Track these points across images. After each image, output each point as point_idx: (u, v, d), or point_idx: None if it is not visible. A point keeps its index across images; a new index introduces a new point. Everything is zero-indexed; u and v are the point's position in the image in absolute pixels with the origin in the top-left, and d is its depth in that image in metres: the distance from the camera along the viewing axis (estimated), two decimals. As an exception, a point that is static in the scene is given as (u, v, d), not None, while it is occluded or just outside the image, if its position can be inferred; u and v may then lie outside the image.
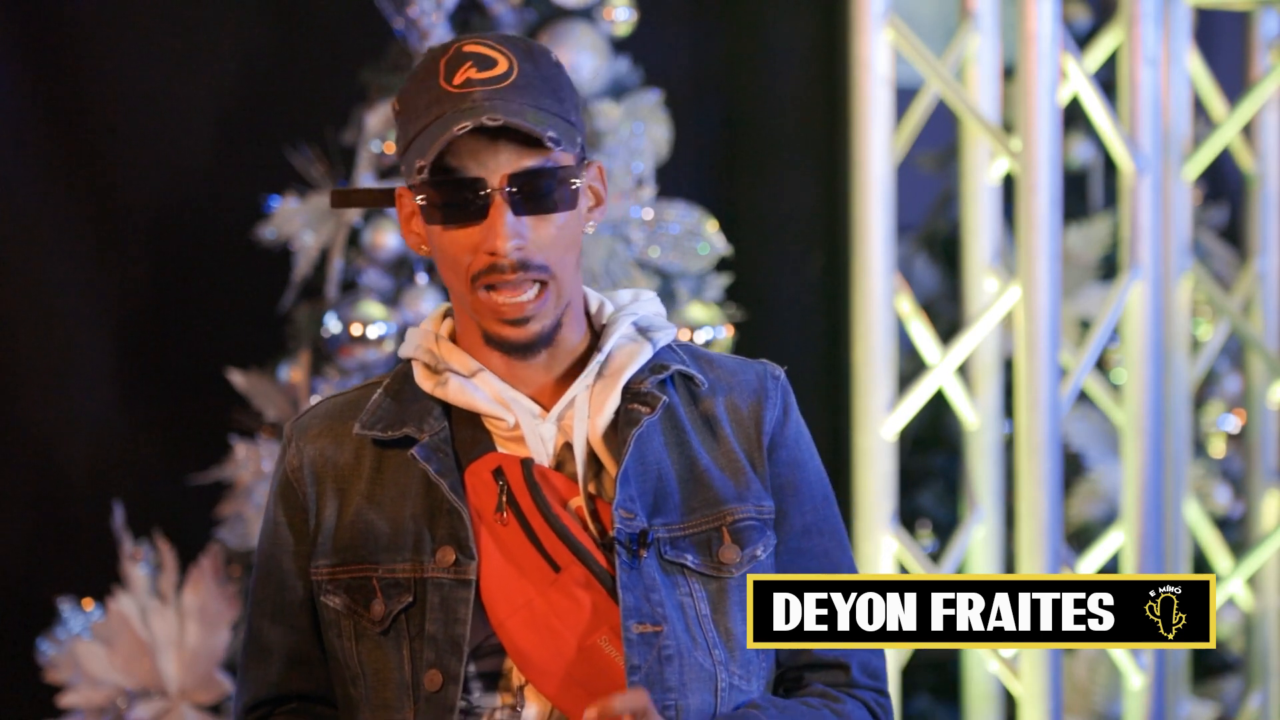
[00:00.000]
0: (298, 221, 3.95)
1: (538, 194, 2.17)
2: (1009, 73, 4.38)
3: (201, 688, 3.84)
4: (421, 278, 3.87)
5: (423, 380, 2.25)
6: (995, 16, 4.24)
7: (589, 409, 2.23)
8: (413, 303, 3.85)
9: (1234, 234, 5.15)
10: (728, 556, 2.23)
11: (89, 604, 3.97)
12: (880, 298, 4.07)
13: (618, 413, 2.23)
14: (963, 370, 4.26)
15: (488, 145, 2.15)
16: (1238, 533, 4.93)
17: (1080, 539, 4.83)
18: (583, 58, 3.93)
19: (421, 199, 2.19)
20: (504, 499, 2.21)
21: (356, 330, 3.81)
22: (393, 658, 2.21)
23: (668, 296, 3.92)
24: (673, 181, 4.03)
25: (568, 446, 2.23)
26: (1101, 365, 4.90)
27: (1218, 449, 5.11)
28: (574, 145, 2.19)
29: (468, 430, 2.24)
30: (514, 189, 2.16)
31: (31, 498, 4.27)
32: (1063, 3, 4.07)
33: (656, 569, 2.20)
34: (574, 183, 2.19)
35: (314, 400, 3.81)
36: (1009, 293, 3.99)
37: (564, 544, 2.19)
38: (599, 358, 2.25)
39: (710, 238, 3.96)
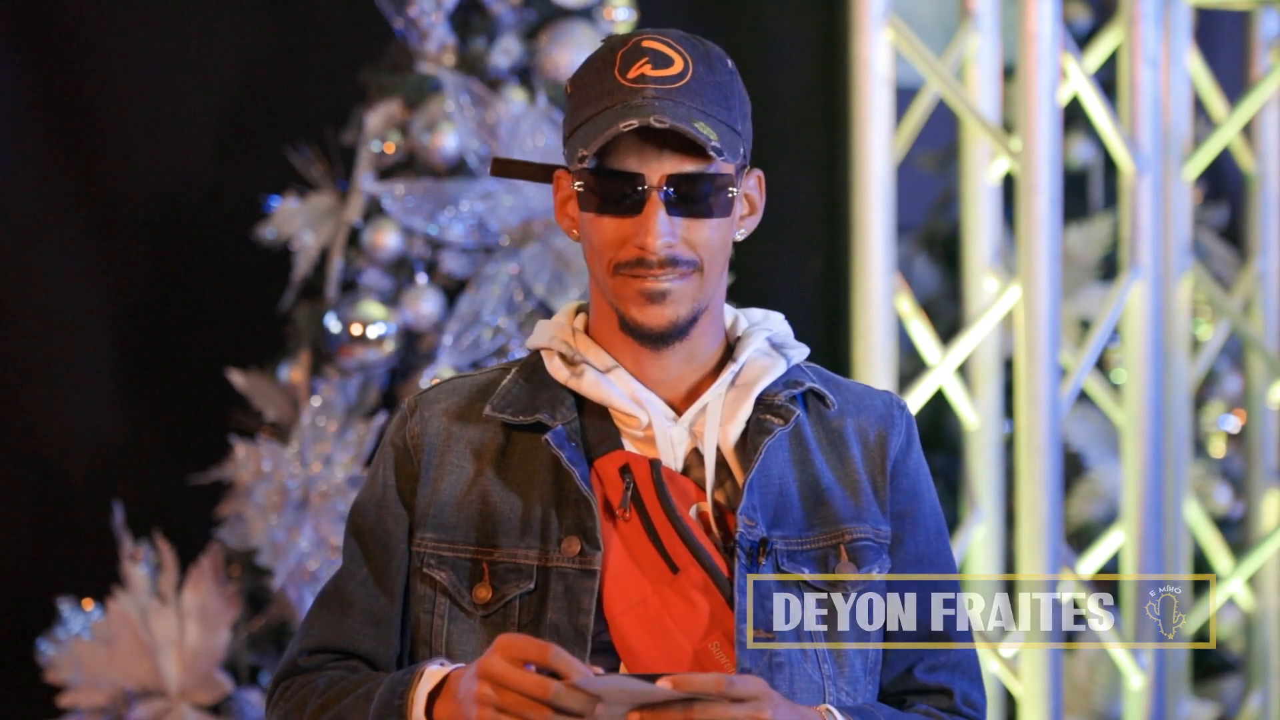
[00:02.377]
0: (298, 221, 3.95)
1: (694, 198, 2.20)
2: (1009, 73, 4.38)
3: (201, 688, 3.84)
4: (421, 278, 3.87)
5: (557, 370, 2.28)
6: (995, 16, 4.24)
7: (721, 416, 2.26)
8: (413, 303, 3.85)
9: (1234, 234, 5.15)
10: (844, 573, 2.26)
11: (89, 604, 3.97)
12: (880, 298, 4.07)
13: (749, 423, 2.26)
14: (963, 370, 4.26)
15: (652, 144, 2.19)
16: (1238, 533, 4.93)
17: (1080, 539, 4.83)
18: (583, 58, 3.92)
19: (580, 185, 2.22)
20: (629, 495, 2.22)
21: (356, 330, 3.81)
22: (485, 643, 2.20)
23: (668, 296, 3.92)
24: (673, 181, 4.03)
25: (695, 453, 2.25)
26: (1101, 365, 4.90)
27: (1218, 449, 5.11)
28: (736, 154, 2.21)
29: (597, 424, 2.26)
30: (671, 190, 2.19)
31: (31, 498, 4.27)
32: (1063, 3, 4.07)
33: (773, 579, 2.22)
34: (730, 191, 2.22)
35: (314, 402, 3.81)
36: (1009, 293, 3.99)
37: (685, 545, 2.20)
38: (734, 367, 2.28)
39: (710, 238, 3.96)
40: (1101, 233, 5.03)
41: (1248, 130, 4.73)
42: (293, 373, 3.91)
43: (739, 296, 4.11)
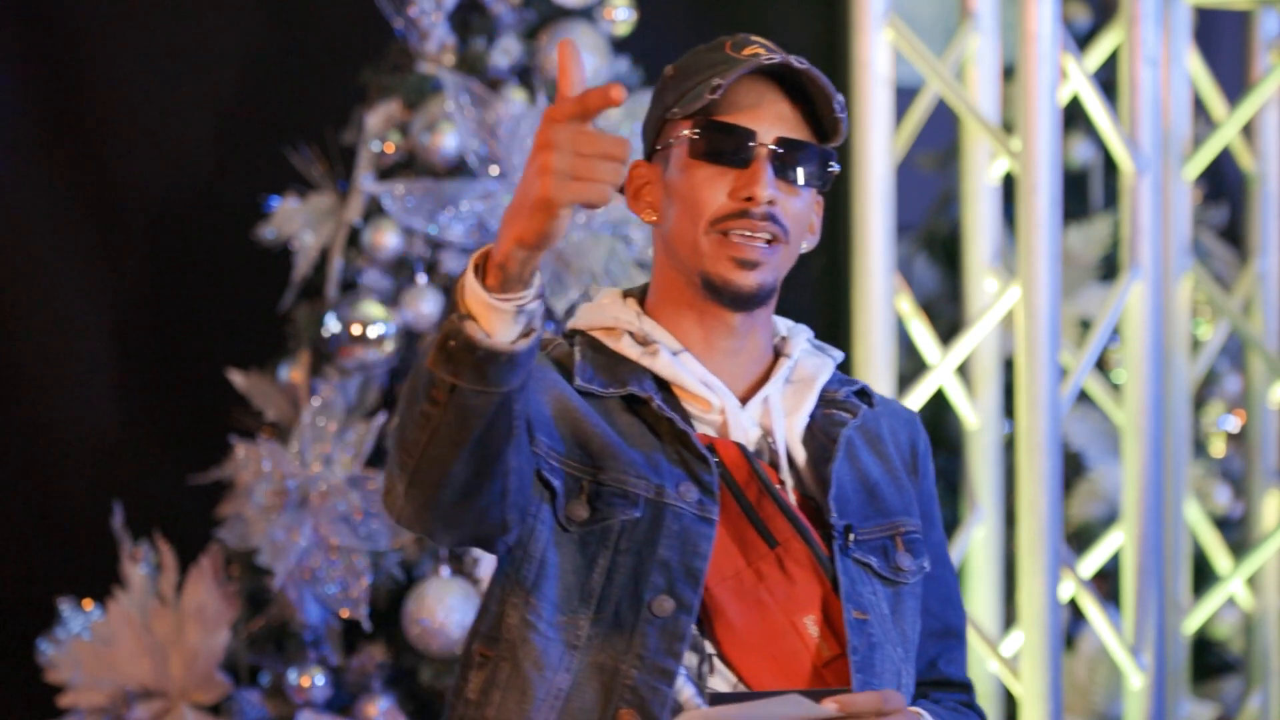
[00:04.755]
0: (298, 221, 3.95)
1: (797, 164, 2.25)
2: (1009, 73, 4.38)
3: (201, 688, 3.83)
4: (421, 278, 3.87)
5: (629, 347, 2.29)
6: (995, 16, 4.24)
7: (785, 408, 2.31)
8: (413, 303, 3.85)
9: (1234, 234, 5.15)
10: (903, 564, 2.32)
11: (89, 604, 3.97)
12: (880, 298, 4.07)
13: (813, 416, 2.32)
14: (963, 370, 4.26)
15: (771, 104, 2.25)
16: (1238, 533, 4.93)
17: (1080, 539, 4.83)
18: (583, 58, 3.92)
19: (693, 132, 2.24)
20: (720, 472, 2.24)
21: (356, 330, 3.80)
22: (573, 560, 2.20)
23: (668, 296, 3.92)
24: (673, 181, 4.03)
25: (765, 437, 2.28)
26: (1101, 365, 4.90)
27: (1218, 449, 5.11)
28: (840, 137, 2.28)
29: (672, 403, 2.28)
30: (781, 150, 2.24)
31: (31, 498, 4.27)
32: (1063, 3, 4.07)
33: (853, 564, 2.27)
34: (831, 166, 2.28)
35: (314, 402, 3.81)
36: (1009, 293, 3.99)
37: (789, 521, 2.23)
38: (789, 363, 2.33)
39: (710, 238, 3.96)
40: (1101, 233, 5.03)
41: (1248, 130, 4.73)
42: (293, 373, 3.91)
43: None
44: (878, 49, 4.05)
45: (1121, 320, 4.10)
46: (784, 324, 2.40)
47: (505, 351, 1.99)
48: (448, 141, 3.86)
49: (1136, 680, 4.07)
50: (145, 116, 4.29)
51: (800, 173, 2.26)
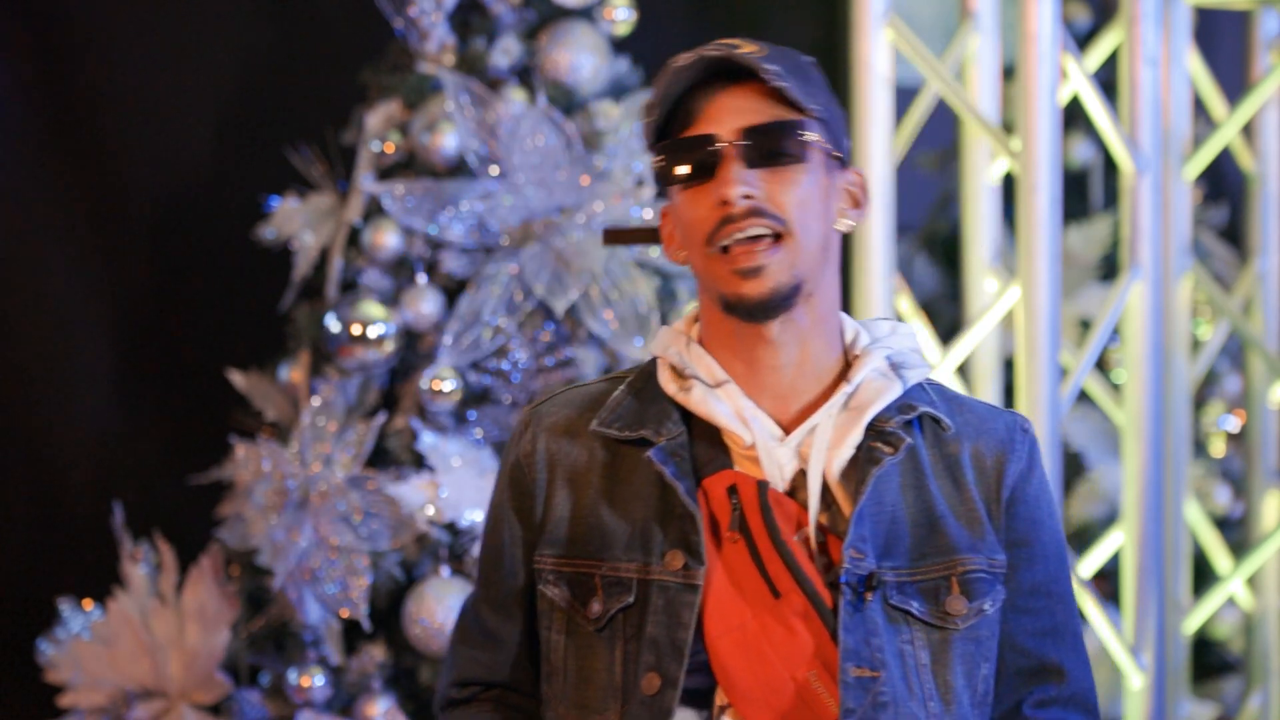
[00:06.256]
0: (298, 221, 3.95)
1: (770, 148, 2.15)
2: (1009, 73, 4.38)
3: (201, 688, 3.83)
4: (421, 278, 3.87)
5: (667, 383, 2.22)
6: (995, 16, 4.24)
7: (829, 440, 2.18)
8: (413, 303, 3.85)
9: (1234, 234, 5.15)
10: (955, 607, 2.18)
11: (89, 604, 3.97)
12: (880, 298, 4.07)
13: (859, 448, 2.18)
14: (963, 370, 4.26)
15: (725, 104, 2.16)
16: (1238, 533, 4.93)
17: (1080, 539, 4.83)
18: (583, 58, 3.93)
19: (659, 161, 2.18)
20: (736, 516, 2.16)
21: (356, 330, 3.80)
22: (603, 658, 2.18)
23: (668, 296, 3.92)
24: (673, 181, 4.03)
25: (802, 474, 2.18)
26: (1101, 365, 4.90)
27: (1218, 449, 5.11)
28: (811, 99, 2.16)
29: (706, 440, 2.20)
30: (747, 141, 2.14)
31: (31, 498, 4.27)
32: (1063, 3, 4.06)
33: (880, 612, 2.15)
34: (811, 138, 2.16)
35: (314, 402, 3.81)
36: (1009, 293, 3.99)
37: (789, 571, 2.14)
38: (846, 389, 2.20)
39: (710, 238, 3.96)
40: (1101, 233, 5.03)
41: (1248, 130, 4.73)
42: (293, 373, 3.91)
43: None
44: (878, 49, 4.05)
45: (1121, 320, 4.10)
46: (874, 332, 2.27)
47: None
48: (448, 141, 3.86)
49: (1136, 680, 4.07)
50: (145, 116, 4.29)
51: (780, 154, 2.15)
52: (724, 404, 2.19)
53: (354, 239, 3.91)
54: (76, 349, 4.30)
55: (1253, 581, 4.64)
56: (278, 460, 3.78)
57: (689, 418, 2.21)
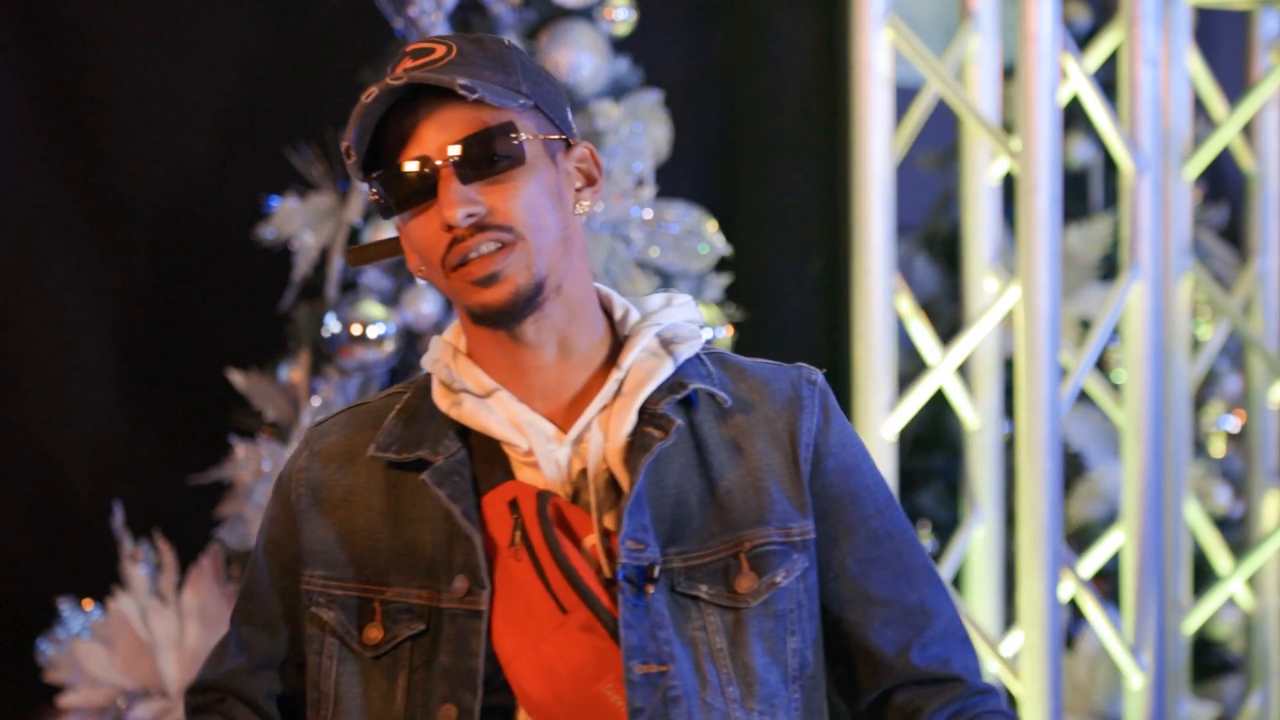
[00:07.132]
0: (298, 221, 3.95)
1: (483, 157, 2.06)
2: (1009, 73, 4.38)
3: (201, 688, 3.83)
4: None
5: (439, 399, 2.12)
6: (995, 16, 4.24)
7: (604, 433, 2.10)
8: (413, 303, 3.85)
9: (1234, 234, 5.15)
10: (744, 586, 2.09)
11: (89, 604, 3.97)
12: (880, 298, 4.07)
13: (632, 435, 2.09)
14: (963, 370, 4.26)
15: (427, 124, 2.07)
16: (1238, 533, 4.93)
17: (1080, 539, 4.83)
18: (583, 58, 3.93)
19: (375, 195, 2.10)
20: (518, 534, 2.07)
21: (356, 330, 3.80)
22: (378, 686, 2.10)
23: (668, 296, 3.92)
24: (673, 181, 4.03)
25: (584, 474, 2.10)
26: (1101, 365, 4.90)
27: (1218, 449, 5.11)
28: (506, 99, 2.07)
29: (485, 453, 2.12)
30: (458, 156, 2.05)
31: (31, 498, 4.27)
32: (1063, 3, 4.06)
33: (665, 603, 2.07)
34: (520, 139, 2.07)
35: (314, 402, 3.81)
36: (1009, 293, 3.99)
37: (570, 586, 2.05)
38: (617, 374, 2.11)
39: (710, 238, 3.96)
40: (1101, 233, 5.03)
41: (1248, 130, 4.73)
42: (293, 373, 3.91)
43: (739, 296, 4.12)
44: (878, 49, 4.05)
45: (1121, 320, 4.10)
46: (646, 307, 2.17)
47: None
48: (448, 141, 3.85)
49: (1136, 680, 4.07)
50: (146, 116, 4.29)
51: (493, 162, 2.05)
52: (496, 413, 2.10)
53: (354, 239, 3.91)
54: (76, 349, 4.30)
55: (1253, 581, 4.64)
56: (278, 460, 3.78)
57: (468, 432, 2.12)
